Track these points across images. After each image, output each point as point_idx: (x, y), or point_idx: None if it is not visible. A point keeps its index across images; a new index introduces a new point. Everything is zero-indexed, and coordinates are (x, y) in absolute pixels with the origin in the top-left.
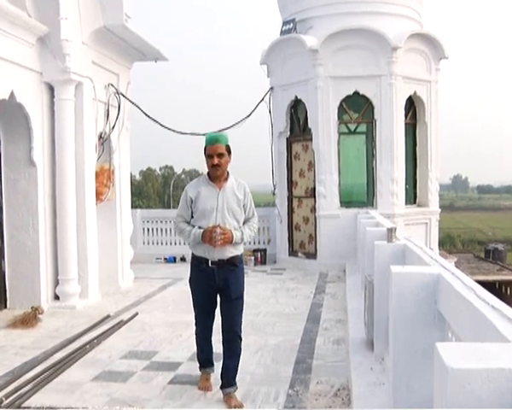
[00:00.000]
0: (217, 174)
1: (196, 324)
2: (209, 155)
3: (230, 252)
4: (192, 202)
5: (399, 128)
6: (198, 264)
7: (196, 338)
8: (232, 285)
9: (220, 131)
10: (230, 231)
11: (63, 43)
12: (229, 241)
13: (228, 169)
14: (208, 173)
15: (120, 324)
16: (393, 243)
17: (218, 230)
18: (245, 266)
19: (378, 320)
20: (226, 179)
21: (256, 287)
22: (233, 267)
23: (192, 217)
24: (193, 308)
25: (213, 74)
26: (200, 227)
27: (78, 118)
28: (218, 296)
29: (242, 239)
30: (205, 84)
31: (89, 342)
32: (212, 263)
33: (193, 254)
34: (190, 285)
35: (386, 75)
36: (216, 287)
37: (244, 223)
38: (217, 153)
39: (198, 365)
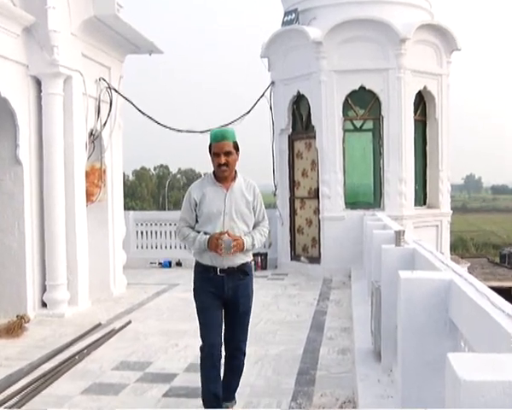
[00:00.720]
0: (224, 175)
1: (203, 344)
2: (215, 154)
3: (241, 259)
4: (196, 204)
5: (408, 125)
6: (204, 272)
7: (201, 365)
8: (241, 297)
9: (225, 125)
10: (241, 237)
11: (51, 34)
12: (240, 249)
13: (236, 168)
14: (214, 173)
15: (112, 333)
16: (402, 246)
17: (226, 236)
18: None
19: (386, 329)
20: (234, 179)
21: (256, 293)
22: (243, 276)
23: (197, 221)
24: (198, 325)
25: (212, 69)
26: (205, 233)
27: (67, 114)
28: (224, 309)
29: (254, 245)
30: (203, 79)
31: (78, 353)
32: (221, 271)
33: (197, 261)
34: (195, 296)
35: (394, 68)
36: (224, 297)
37: (254, 227)
38: (224, 151)
39: (201, 402)
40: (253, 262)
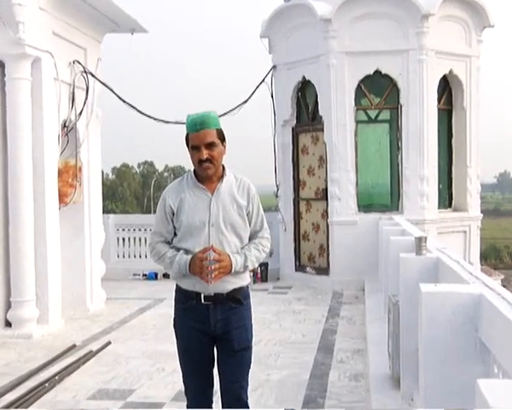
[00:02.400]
0: (207, 174)
1: (187, 400)
2: (194, 147)
3: (232, 283)
4: (173, 213)
5: (431, 115)
6: (185, 300)
7: None
8: (235, 331)
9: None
10: (228, 255)
11: (15, 9)
12: (226, 272)
13: (223, 162)
14: (195, 171)
15: (88, 355)
16: (423, 255)
17: (212, 254)
18: None
19: (405, 351)
20: (221, 178)
21: (255, 310)
22: (236, 305)
23: (175, 234)
24: (181, 372)
25: (204, 51)
26: (186, 251)
27: (36, 102)
28: (215, 347)
29: (246, 266)
30: (194, 63)
31: (48, 380)
32: (205, 299)
33: (177, 286)
34: (175, 334)
35: (414, 50)
36: (212, 333)
37: (250, 239)
38: (205, 142)
39: None
40: (250, 285)
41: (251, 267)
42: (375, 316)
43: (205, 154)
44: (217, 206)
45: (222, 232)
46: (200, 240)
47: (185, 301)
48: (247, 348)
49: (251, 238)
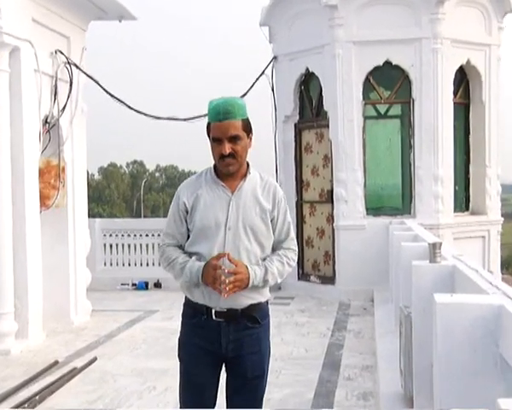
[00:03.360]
0: (229, 170)
1: None
2: (215, 139)
3: (248, 298)
4: (187, 212)
5: (446, 110)
6: (193, 315)
7: None
8: (249, 356)
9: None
10: (246, 267)
11: None
12: (242, 286)
13: (247, 159)
14: (215, 167)
15: (73, 373)
16: (438, 263)
17: (227, 263)
18: None
19: (419, 368)
20: (245, 176)
21: None
22: (252, 324)
23: (188, 236)
24: (180, 393)
25: (199, 41)
26: (199, 256)
27: (15, 95)
28: (224, 371)
29: (266, 281)
30: (188, 54)
31: (28, 400)
32: (216, 315)
33: (186, 298)
34: (178, 352)
35: (428, 38)
36: (222, 356)
37: (273, 250)
38: (228, 135)
39: None
40: (270, 300)
41: (272, 283)
42: (385, 329)
43: (227, 148)
44: (236, 207)
45: (239, 237)
46: (213, 244)
47: (193, 316)
48: (262, 377)
49: (274, 249)
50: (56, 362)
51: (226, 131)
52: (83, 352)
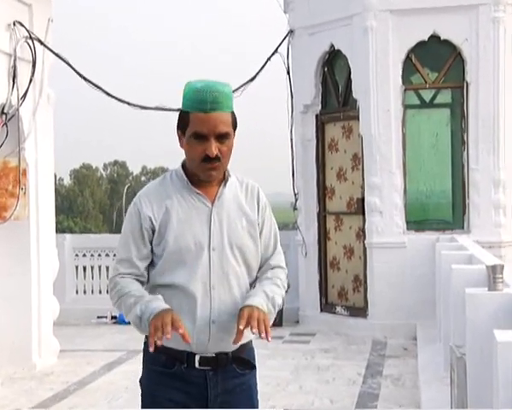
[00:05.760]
0: (211, 176)
1: None
2: (198, 135)
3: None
4: (154, 231)
5: (510, 97)
6: (168, 363)
7: None
8: None
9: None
10: (263, 312)
11: None
12: (267, 321)
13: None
14: (183, 167)
15: None
16: (499, 290)
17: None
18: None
19: None
20: (224, 180)
21: (266, 365)
22: (242, 370)
23: (152, 264)
24: None
25: (195, 15)
26: (173, 289)
27: None
28: None
29: (272, 309)
30: (181, 31)
31: None
32: (201, 362)
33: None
34: (144, 406)
35: (486, 4)
36: None
37: (259, 268)
38: (217, 132)
39: None
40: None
41: (275, 311)
42: (431, 375)
43: (214, 148)
44: (219, 220)
45: (227, 260)
46: (194, 271)
47: (167, 365)
48: None
49: (260, 266)
50: None
51: (214, 126)
52: (48, 404)
